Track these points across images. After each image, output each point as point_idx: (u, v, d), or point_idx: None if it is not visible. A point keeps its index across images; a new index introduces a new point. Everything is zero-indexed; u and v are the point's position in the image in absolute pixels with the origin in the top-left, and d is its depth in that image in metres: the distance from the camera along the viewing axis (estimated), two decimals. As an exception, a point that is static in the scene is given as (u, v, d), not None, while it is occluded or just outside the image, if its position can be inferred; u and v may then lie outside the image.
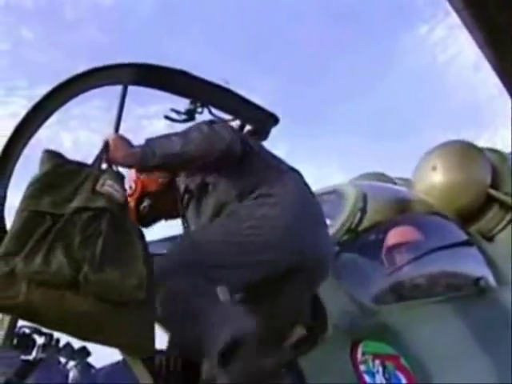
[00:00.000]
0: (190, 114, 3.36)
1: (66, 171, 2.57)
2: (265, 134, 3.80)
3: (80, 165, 2.63)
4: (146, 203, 3.52)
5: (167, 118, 3.34)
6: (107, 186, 2.56)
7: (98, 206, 2.46)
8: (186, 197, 3.40)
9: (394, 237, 4.38)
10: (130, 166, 2.87)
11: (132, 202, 3.46)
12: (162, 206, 3.54)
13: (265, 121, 3.72)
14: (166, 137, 2.96)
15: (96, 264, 2.30)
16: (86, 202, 2.46)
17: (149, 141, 2.86)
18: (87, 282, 2.26)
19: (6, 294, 2.23)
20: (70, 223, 2.38)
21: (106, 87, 3.13)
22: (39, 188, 2.48)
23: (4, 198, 3.25)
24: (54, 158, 2.59)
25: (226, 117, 3.56)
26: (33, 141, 3.07)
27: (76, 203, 2.45)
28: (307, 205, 3.10)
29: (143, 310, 2.44)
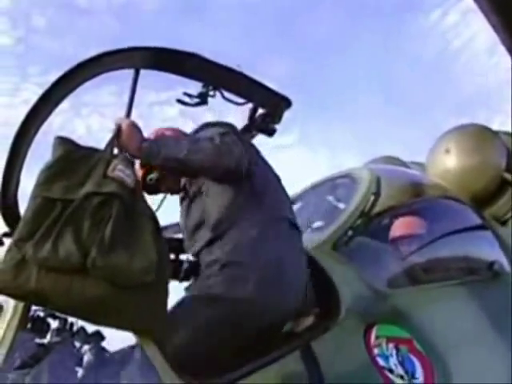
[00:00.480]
0: (202, 98, 3.35)
1: (77, 157, 2.58)
2: (278, 118, 3.79)
3: (91, 150, 2.64)
4: (153, 175, 3.52)
5: (179, 101, 3.33)
6: (118, 170, 2.56)
7: (109, 191, 2.47)
8: (183, 193, 3.51)
9: (398, 229, 4.36)
10: (134, 157, 2.88)
11: (141, 172, 3.52)
12: (168, 181, 3.56)
13: (277, 104, 3.70)
14: (177, 140, 3.02)
15: (104, 249, 2.32)
16: (97, 187, 2.47)
17: (160, 139, 2.89)
18: (95, 267, 2.29)
19: (18, 281, 2.26)
20: (80, 208, 2.39)
21: (118, 73, 3.12)
22: (51, 174, 2.50)
23: (17, 184, 3.27)
24: (65, 144, 2.61)
25: (239, 100, 3.55)
26: (45, 127, 3.07)
27: (87, 188, 2.46)
28: (281, 273, 3.08)
29: (153, 292, 2.46)
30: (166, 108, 12.40)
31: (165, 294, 2.57)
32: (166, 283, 2.61)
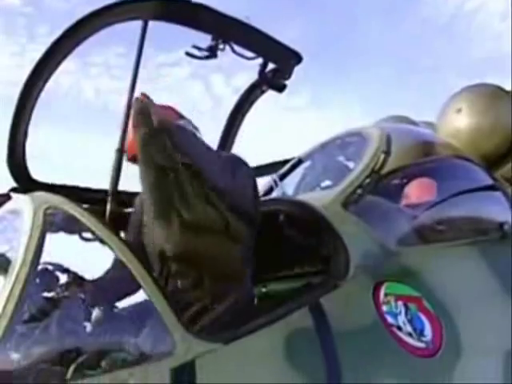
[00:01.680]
0: (211, 51, 3.30)
1: None
2: (288, 73, 3.73)
3: None
4: None
5: (188, 54, 3.28)
6: None
7: None
8: None
9: (411, 195, 4.32)
10: None
11: None
12: None
13: (288, 59, 3.64)
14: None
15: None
16: None
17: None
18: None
19: None
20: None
21: (125, 35, 3.09)
22: None
23: (24, 139, 3.26)
24: None
25: (249, 55, 3.49)
26: (53, 89, 3.05)
27: None
28: None
29: None
30: (175, 69, 12.27)
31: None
32: None
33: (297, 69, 3.77)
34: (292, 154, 4.84)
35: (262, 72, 3.72)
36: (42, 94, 3.19)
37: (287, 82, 3.79)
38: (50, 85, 3.19)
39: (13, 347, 2.53)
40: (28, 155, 3.33)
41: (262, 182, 4.89)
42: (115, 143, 3.30)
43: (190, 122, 3.17)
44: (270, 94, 4.06)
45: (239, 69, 3.56)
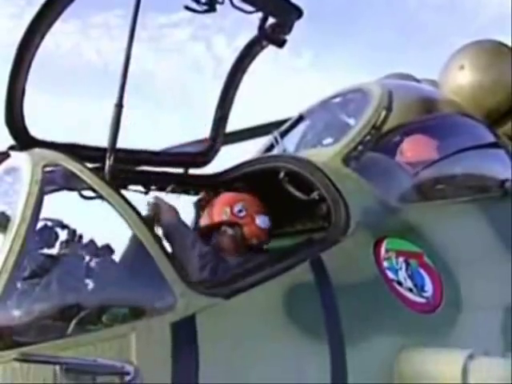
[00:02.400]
0: (210, 5, 3.23)
1: None
2: (288, 28, 3.66)
3: None
4: None
5: (187, 8, 3.21)
6: None
7: None
8: None
9: (409, 152, 4.28)
10: None
11: None
12: None
13: (288, 13, 3.57)
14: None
15: None
16: None
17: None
18: None
19: None
20: None
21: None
22: None
23: (22, 96, 3.22)
24: None
25: (248, 8, 3.42)
26: (53, 51, 3.01)
27: None
28: None
29: None
30: (176, 31, 12.08)
31: None
32: None
33: (298, 29, 3.72)
34: (294, 114, 4.80)
35: (261, 27, 3.64)
36: (44, 57, 3.16)
37: (287, 37, 3.71)
38: (50, 47, 3.16)
39: (14, 303, 2.53)
40: (28, 117, 3.30)
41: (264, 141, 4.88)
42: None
43: None
44: (272, 55, 4.00)
45: (241, 30, 3.48)
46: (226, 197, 3.70)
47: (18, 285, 2.59)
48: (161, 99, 11.04)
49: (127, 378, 2.36)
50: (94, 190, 2.77)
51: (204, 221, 3.70)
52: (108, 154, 3.16)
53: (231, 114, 4.13)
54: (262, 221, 3.57)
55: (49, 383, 2.28)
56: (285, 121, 4.85)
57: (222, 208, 3.59)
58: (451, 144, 4.33)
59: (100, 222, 3.35)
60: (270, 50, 3.92)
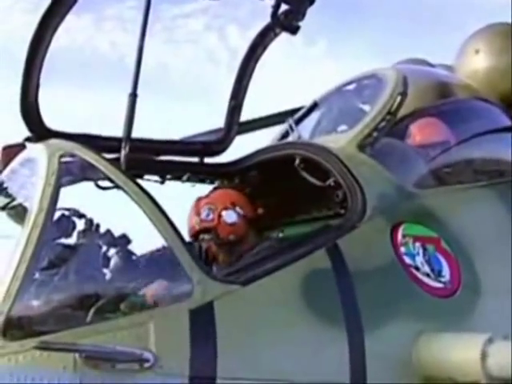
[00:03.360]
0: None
1: None
2: (301, 15, 3.64)
3: None
4: None
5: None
6: None
7: None
8: None
9: (415, 136, 4.25)
10: None
11: None
12: None
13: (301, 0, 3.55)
14: None
15: None
16: None
17: None
18: None
19: None
20: None
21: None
22: None
23: (37, 88, 3.24)
24: None
25: (261, -5, 3.41)
26: (68, 44, 3.02)
27: None
28: None
29: None
30: (190, 21, 12.06)
31: None
32: None
33: (311, 18, 3.70)
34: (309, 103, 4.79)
35: (274, 14, 3.62)
36: (59, 51, 3.18)
37: (300, 24, 3.69)
38: (65, 41, 3.17)
39: (33, 293, 2.56)
40: (44, 109, 3.32)
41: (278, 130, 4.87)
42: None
43: None
44: (286, 44, 3.98)
45: (255, 20, 3.46)
46: (195, 204, 3.64)
47: (37, 275, 2.61)
48: (175, 90, 11.06)
49: (146, 365, 2.39)
50: (110, 180, 2.78)
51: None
52: (123, 144, 3.17)
53: (245, 103, 4.14)
54: (228, 216, 3.50)
55: (69, 371, 2.31)
56: (299, 110, 4.84)
57: (194, 218, 3.55)
58: (467, 129, 4.31)
59: (116, 211, 3.37)
60: (284, 39, 3.91)
